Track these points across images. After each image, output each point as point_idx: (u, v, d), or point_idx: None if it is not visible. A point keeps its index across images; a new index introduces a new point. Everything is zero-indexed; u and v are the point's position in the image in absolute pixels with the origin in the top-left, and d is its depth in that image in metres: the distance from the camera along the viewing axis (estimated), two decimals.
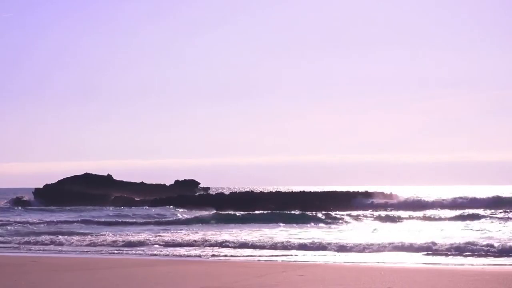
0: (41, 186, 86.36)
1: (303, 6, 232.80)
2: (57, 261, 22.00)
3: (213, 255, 24.41)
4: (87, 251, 26.56)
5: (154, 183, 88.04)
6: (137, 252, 26.10)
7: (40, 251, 26.79)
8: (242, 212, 51.97)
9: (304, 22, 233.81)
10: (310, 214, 50.63)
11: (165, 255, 24.70)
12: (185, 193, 74.87)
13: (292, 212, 52.50)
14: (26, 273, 17.22)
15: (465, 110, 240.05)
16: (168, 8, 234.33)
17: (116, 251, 26.43)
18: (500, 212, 52.72)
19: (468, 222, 43.31)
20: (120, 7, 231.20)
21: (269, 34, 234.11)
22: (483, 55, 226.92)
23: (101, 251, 26.67)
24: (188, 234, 33.75)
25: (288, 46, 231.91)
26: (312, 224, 43.50)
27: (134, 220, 48.59)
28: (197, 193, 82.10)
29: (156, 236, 32.30)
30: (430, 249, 24.93)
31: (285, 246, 26.95)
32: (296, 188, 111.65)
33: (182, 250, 26.32)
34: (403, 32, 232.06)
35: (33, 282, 15.55)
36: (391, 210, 60.65)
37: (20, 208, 67.87)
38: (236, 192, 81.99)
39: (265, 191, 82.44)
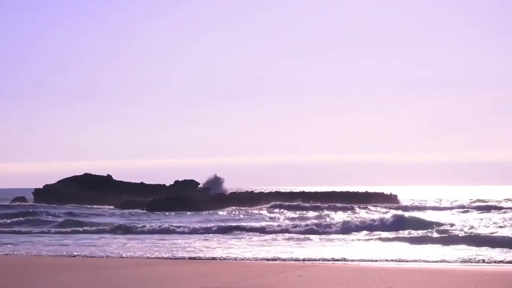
0: (41, 186, 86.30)
1: (303, 7, 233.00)
2: (57, 261, 22.00)
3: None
4: None
5: (153, 183, 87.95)
6: None
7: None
8: None
9: (304, 23, 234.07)
10: None
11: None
12: (185, 194, 74.77)
13: None
14: (26, 273, 17.21)
15: (465, 110, 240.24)
16: (168, 8, 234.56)
17: None
18: None
19: None
20: (120, 7, 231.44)
21: (269, 35, 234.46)
22: (483, 55, 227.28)
23: None
24: None
25: (288, 47, 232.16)
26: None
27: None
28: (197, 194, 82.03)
29: None
30: None
31: None
32: (296, 188, 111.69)
33: None
34: (403, 33, 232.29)
35: (33, 282, 15.55)
36: None
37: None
38: (236, 192, 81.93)
39: (265, 191, 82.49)
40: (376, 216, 45.75)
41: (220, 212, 60.73)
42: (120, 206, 71.38)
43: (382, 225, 38.15)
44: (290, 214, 56.99)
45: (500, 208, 63.16)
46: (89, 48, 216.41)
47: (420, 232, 33.64)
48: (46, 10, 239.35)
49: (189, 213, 60.54)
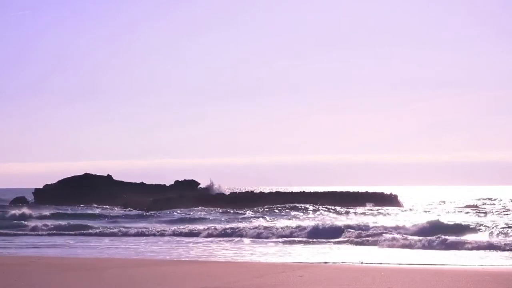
0: (41, 186, 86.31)
1: (303, 7, 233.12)
2: (57, 261, 21.98)
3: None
4: None
5: (153, 183, 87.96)
6: None
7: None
8: None
9: (304, 23, 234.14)
10: None
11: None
12: (185, 194, 74.76)
13: None
14: (26, 273, 17.21)
15: (465, 110, 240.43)
16: (168, 8, 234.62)
17: None
18: None
19: None
20: (120, 7, 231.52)
21: (269, 35, 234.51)
22: (483, 55, 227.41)
23: None
24: None
25: (288, 47, 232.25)
26: None
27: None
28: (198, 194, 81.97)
29: None
30: None
31: None
32: (296, 189, 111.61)
33: None
34: (403, 33, 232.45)
35: (33, 282, 15.54)
36: None
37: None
38: (236, 192, 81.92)
39: (265, 192, 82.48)
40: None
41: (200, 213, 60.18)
42: (120, 206, 71.60)
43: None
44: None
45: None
46: (89, 48, 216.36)
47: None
48: (46, 10, 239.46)
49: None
